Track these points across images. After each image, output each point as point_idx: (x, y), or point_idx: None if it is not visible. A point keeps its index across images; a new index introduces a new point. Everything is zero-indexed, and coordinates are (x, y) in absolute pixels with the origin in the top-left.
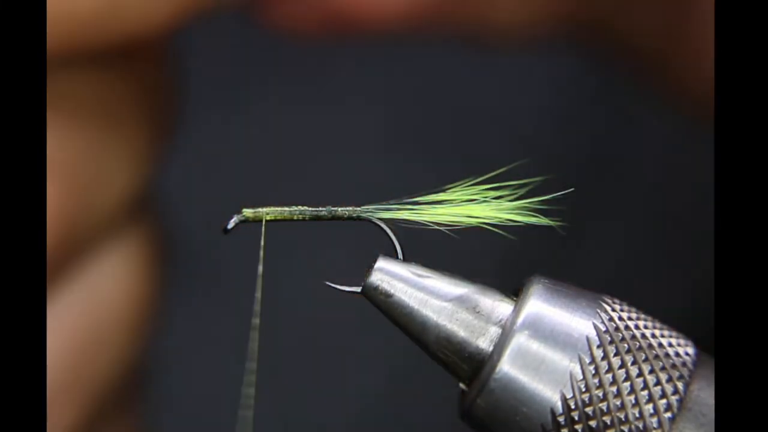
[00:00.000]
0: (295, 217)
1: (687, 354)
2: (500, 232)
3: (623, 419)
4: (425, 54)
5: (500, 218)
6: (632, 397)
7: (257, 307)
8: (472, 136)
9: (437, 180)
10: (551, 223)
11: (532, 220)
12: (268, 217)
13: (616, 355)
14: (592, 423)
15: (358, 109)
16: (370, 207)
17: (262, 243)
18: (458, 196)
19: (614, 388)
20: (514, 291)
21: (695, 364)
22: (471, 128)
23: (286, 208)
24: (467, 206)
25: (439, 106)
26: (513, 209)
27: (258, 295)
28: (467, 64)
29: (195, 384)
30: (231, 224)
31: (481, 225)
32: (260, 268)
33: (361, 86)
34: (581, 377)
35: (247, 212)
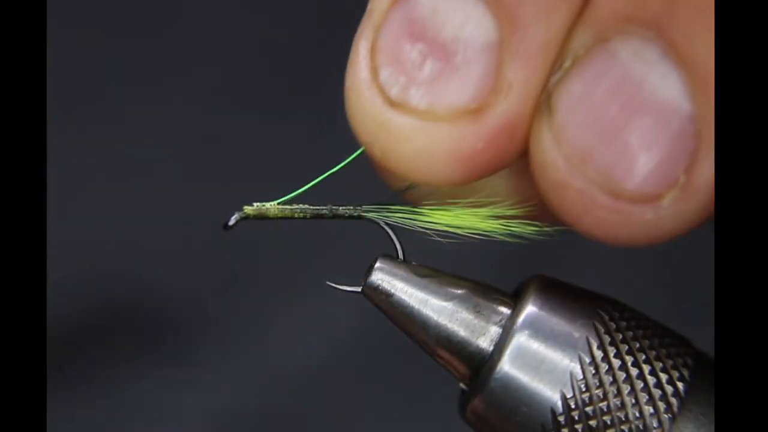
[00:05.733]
0: (296, 216)
1: (687, 355)
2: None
3: (623, 419)
4: None
5: (498, 228)
6: (632, 397)
7: None
8: None
9: None
10: (547, 230)
11: (530, 229)
12: (269, 215)
13: (616, 355)
14: (593, 422)
15: None
16: (371, 206)
17: None
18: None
19: (614, 388)
20: (514, 291)
21: (695, 365)
22: None
23: (288, 206)
24: (466, 214)
25: None
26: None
27: None
28: None
29: None
30: (232, 221)
31: (479, 233)
32: None
33: None
34: (581, 377)
35: (249, 209)
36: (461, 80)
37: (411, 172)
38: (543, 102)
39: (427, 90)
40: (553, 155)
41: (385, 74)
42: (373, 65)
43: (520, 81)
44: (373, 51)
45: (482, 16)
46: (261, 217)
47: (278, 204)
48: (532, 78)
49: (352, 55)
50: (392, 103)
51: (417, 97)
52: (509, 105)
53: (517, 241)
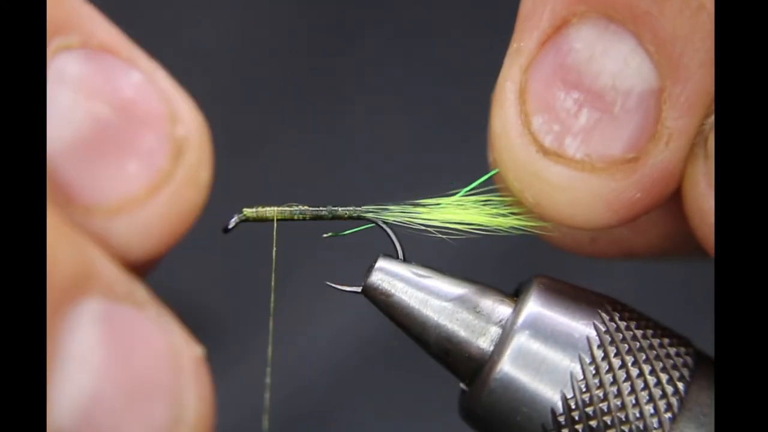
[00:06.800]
0: (296, 217)
1: (687, 355)
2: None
3: (624, 419)
4: (434, 58)
5: (499, 224)
6: (633, 397)
7: (272, 306)
8: (477, 136)
9: (439, 179)
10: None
11: (531, 224)
12: (269, 217)
13: (616, 355)
14: (593, 423)
15: (360, 108)
16: (371, 207)
17: (275, 241)
18: (456, 201)
19: (615, 388)
20: (514, 291)
21: (695, 364)
22: (476, 129)
23: (287, 208)
24: (466, 212)
25: (442, 107)
26: (510, 214)
27: (272, 297)
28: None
29: None
30: (232, 224)
31: (479, 231)
32: (273, 269)
33: (364, 88)
34: (582, 377)
35: (248, 212)
36: (619, 129)
37: (565, 220)
38: (698, 144)
39: (584, 139)
40: (710, 202)
41: (538, 122)
42: (524, 110)
43: (680, 129)
44: (522, 95)
45: (642, 63)
46: (261, 220)
47: (277, 206)
48: (692, 126)
49: (497, 96)
50: (546, 152)
51: (573, 147)
52: (670, 153)
53: (518, 233)
